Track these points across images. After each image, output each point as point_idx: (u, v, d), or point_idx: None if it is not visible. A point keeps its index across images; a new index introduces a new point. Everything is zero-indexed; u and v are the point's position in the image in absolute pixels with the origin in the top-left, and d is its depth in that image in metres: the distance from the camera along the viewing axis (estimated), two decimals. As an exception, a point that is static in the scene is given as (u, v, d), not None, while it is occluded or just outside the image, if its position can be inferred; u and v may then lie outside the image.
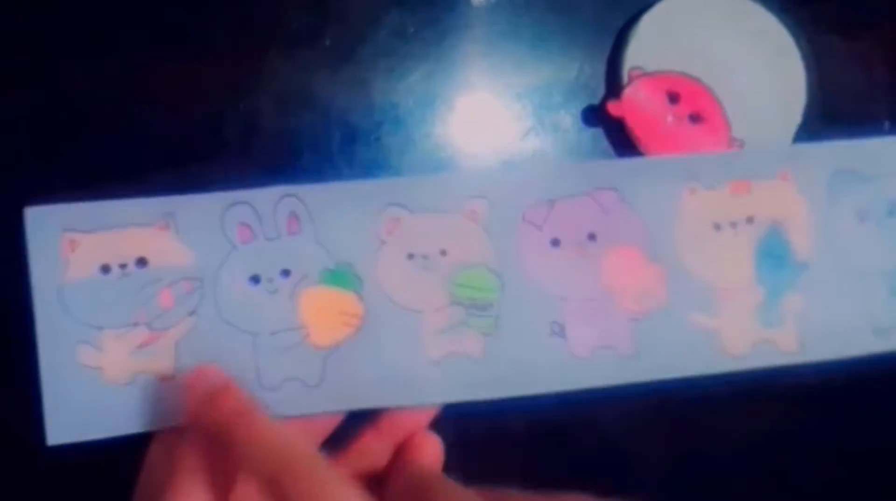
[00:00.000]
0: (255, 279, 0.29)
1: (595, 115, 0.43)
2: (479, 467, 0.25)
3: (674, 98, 0.41)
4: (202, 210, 0.28)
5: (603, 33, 0.43)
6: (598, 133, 0.43)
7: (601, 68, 0.43)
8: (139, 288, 0.28)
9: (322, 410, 0.28)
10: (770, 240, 0.31)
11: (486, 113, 0.43)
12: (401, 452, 0.28)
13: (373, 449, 0.28)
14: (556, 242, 0.30)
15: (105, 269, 0.28)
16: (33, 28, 0.39)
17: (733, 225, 0.31)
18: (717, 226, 0.31)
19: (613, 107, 0.40)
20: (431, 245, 0.29)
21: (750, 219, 0.31)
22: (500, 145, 0.43)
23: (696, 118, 0.41)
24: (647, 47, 0.42)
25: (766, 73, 0.43)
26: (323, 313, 0.29)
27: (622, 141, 0.42)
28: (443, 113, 0.42)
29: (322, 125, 0.41)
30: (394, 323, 0.29)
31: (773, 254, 0.31)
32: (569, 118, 0.43)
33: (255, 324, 0.28)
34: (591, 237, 0.30)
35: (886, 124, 0.45)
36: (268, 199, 0.29)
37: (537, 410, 0.32)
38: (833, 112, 0.44)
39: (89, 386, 0.27)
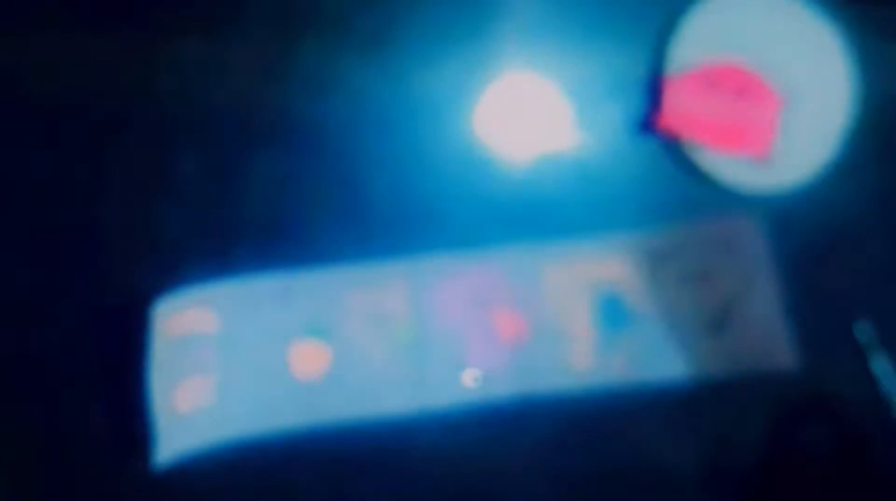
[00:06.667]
0: (263, 337, 0.43)
1: (645, 127, 0.43)
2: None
3: (714, 84, 0.42)
4: (229, 295, 0.42)
5: (646, 29, 0.43)
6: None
7: (644, 65, 0.43)
8: (195, 349, 0.42)
9: (307, 418, 0.43)
10: (610, 298, 0.44)
11: (523, 104, 0.42)
12: None
13: None
14: (460, 303, 0.43)
15: (180, 339, 0.41)
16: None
17: (579, 290, 0.44)
18: (568, 291, 0.44)
19: (663, 120, 0.42)
20: (377, 310, 0.43)
21: (592, 286, 0.44)
22: (538, 137, 0.42)
23: (741, 93, 0.42)
24: (691, 47, 0.42)
25: (811, 76, 0.43)
26: (304, 357, 0.43)
27: (673, 139, 0.43)
28: (478, 103, 0.42)
29: (354, 112, 0.41)
30: (352, 362, 0.43)
31: (612, 308, 0.44)
32: (609, 115, 0.43)
33: (265, 367, 0.43)
34: (483, 300, 0.44)
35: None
36: (269, 284, 0.42)
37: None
38: (878, 118, 0.44)
39: (170, 417, 0.41)
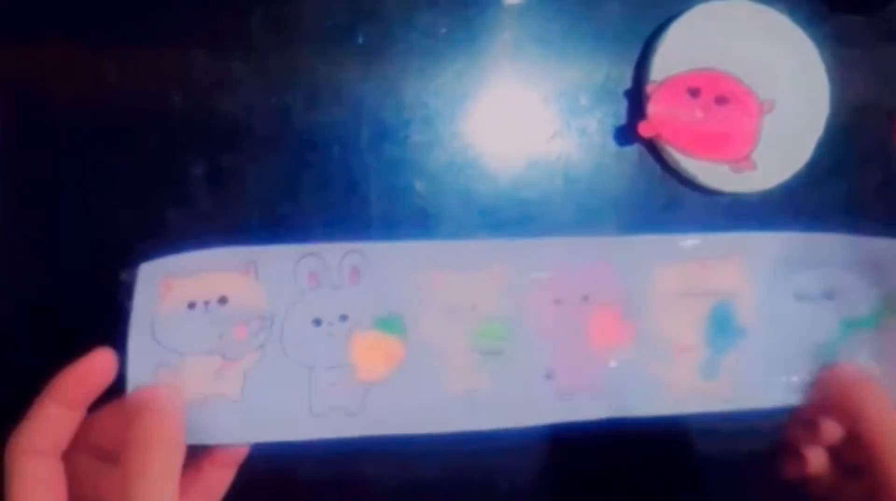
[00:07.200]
0: (318, 322, 0.33)
1: (627, 135, 0.44)
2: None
3: (694, 92, 0.43)
4: (280, 259, 0.32)
5: (631, 39, 0.44)
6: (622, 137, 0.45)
7: (628, 74, 0.44)
8: (219, 323, 0.32)
9: (359, 434, 0.33)
10: (719, 309, 0.37)
11: (513, 114, 0.44)
12: None
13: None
14: (558, 301, 0.36)
15: (191, 306, 0.32)
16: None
17: (693, 295, 0.37)
18: (681, 295, 0.37)
19: (644, 129, 0.42)
20: (465, 300, 0.34)
21: (706, 292, 0.37)
22: (527, 147, 0.44)
23: (721, 100, 0.43)
24: (673, 56, 0.43)
25: (790, 85, 0.44)
26: (370, 353, 0.33)
27: (655, 146, 0.44)
28: (471, 113, 0.43)
29: (352, 122, 0.42)
30: (427, 365, 0.34)
31: (720, 321, 0.38)
32: (594, 122, 0.44)
33: (312, 360, 0.33)
34: (584, 299, 0.36)
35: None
36: (335, 253, 0.33)
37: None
38: (855, 126, 0.45)
39: None
